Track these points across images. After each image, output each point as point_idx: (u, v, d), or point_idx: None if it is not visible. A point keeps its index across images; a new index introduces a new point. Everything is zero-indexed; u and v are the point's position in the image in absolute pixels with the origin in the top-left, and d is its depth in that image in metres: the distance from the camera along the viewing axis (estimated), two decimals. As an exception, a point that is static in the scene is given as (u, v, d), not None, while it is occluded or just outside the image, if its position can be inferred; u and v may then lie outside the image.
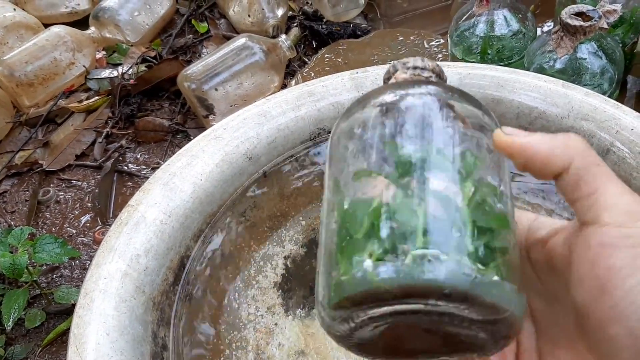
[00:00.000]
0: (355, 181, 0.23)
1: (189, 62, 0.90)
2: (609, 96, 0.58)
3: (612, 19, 0.61)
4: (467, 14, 0.73)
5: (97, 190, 0.79)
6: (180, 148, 0.50)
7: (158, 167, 0.48)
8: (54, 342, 0.64)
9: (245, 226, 0.52)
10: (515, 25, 0.72)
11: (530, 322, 0.26)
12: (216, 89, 0.79)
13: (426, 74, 0.29)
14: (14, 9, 0.98)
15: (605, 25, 0.60)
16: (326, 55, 0.90)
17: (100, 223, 0.75)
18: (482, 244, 0.21)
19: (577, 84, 0.52)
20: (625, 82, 0.77)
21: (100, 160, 0.82)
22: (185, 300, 0.46)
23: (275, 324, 0.49)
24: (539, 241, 0.25)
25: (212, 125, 0.56)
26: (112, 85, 0.90)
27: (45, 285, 0.68)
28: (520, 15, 0.72)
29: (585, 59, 0.63)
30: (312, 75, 0.86)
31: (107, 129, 0.86)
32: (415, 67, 0.29)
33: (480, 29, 0.72)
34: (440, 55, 0.87)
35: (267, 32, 0.94)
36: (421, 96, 0.25)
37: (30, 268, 0.64)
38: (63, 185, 0.81)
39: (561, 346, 0.25)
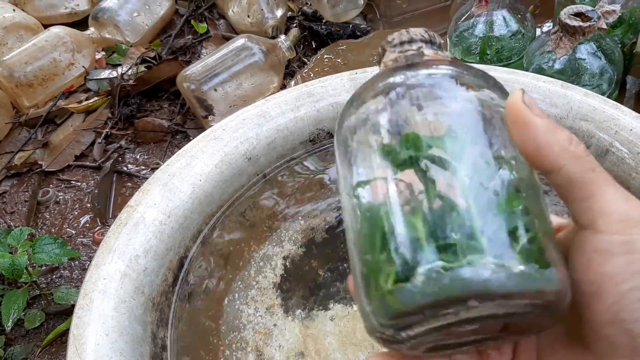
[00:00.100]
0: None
1: (188, 63, 0.90)
2: (608, 96, 0.58)
3: (611, 19, 0.61)
4: (466, 15, 0.73)
5: (96, 191, 0.79)
6: (180, 149, 0.50)
7: (157, 168, 0.48)
8: (54, 342, 0.64)
9: (245, 226, 0.52)
10: (514, 26, 0.72)
11: None
12: (215, 90, 0.79)
13: (415, 46, 0.27)
14: (14, 10, 0.98)
15: (604, 26, 0.60)
16: (325, 56, 0.90)
17: (99, 224, 0.75)
18: (525, 238, 0.21)
19: (576, 84, 0.52)
20: (625, 83, 0.77)
21: (100, 161, 0.82)
22: (185, 301, 0.46)
23: (275, 325, 0.49)
24: None
25: (211, 125, 0.56)
26: (111, 86, 0.90)
27: (45, 286, 0.68)
28: (519, 16, 0.72)
29: (585, 59, 0.63)
30: (312, 75, 0.86)
31: (107, 130, 0.86)
32: (402, 43, 0.27)
33: (480, 29, 0.72)
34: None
35: (266, 32, 0.94)
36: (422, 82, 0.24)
37: (30, 269, 0.64)
38: (62, 185, 0.81)
39: (561, 345, 0.25)
